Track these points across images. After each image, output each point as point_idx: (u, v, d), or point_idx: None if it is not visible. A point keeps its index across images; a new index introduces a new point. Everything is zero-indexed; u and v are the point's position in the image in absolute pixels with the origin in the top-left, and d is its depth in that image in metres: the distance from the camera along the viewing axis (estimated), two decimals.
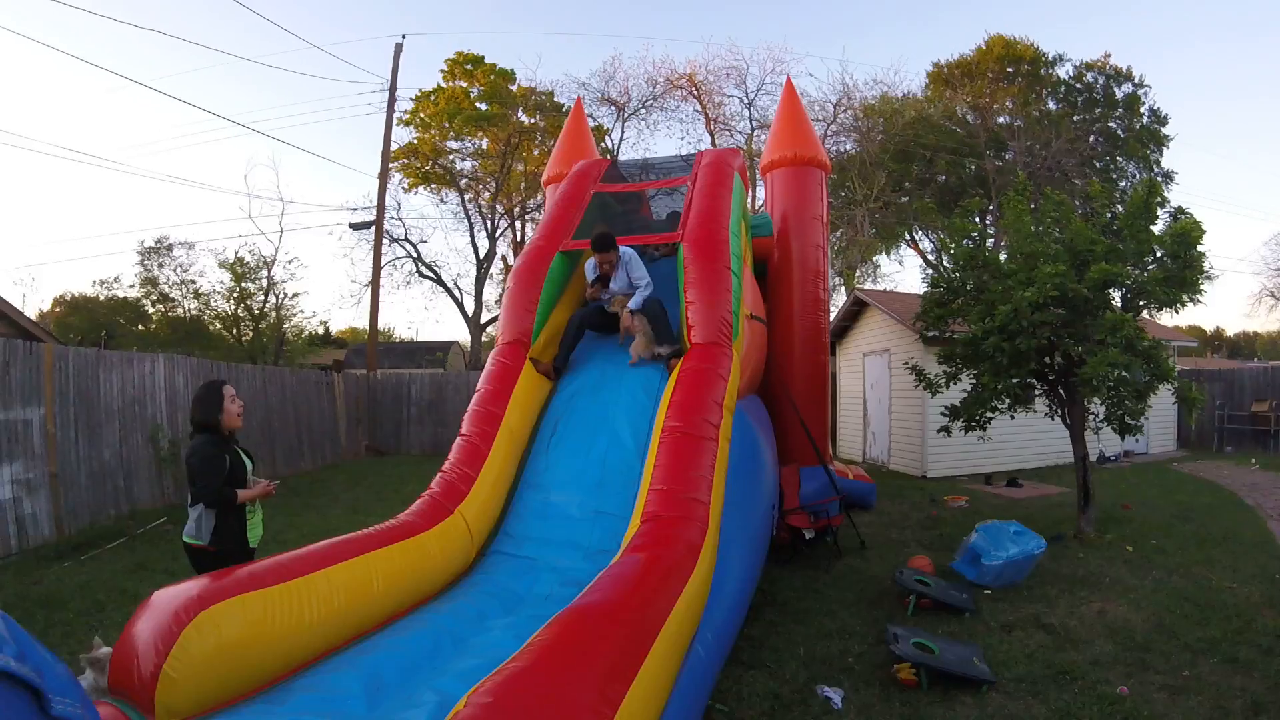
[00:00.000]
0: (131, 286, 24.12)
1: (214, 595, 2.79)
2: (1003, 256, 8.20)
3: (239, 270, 22.19)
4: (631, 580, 2.87)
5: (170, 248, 23.08)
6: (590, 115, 26.21)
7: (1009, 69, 28.49)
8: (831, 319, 15.78)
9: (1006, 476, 12.03)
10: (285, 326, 23.50)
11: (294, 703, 2.66)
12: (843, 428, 16.50)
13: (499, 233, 28.33)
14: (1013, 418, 8.13)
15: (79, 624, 5.28)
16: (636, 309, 5.54)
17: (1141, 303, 7.50)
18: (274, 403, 13.40)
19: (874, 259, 29.60)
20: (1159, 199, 7.55)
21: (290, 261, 34.95)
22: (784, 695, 4.12)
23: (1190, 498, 9.95)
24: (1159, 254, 7.37)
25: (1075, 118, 28.04)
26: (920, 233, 29.62)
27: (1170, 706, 3.93)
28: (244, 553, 3.89)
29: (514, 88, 27.80)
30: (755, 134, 26.15)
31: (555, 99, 27.45)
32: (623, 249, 5.76)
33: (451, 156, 27.93)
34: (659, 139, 68.91)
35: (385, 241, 21.65)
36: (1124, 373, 6.94)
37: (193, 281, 22.91)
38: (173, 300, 23.07)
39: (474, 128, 27.01)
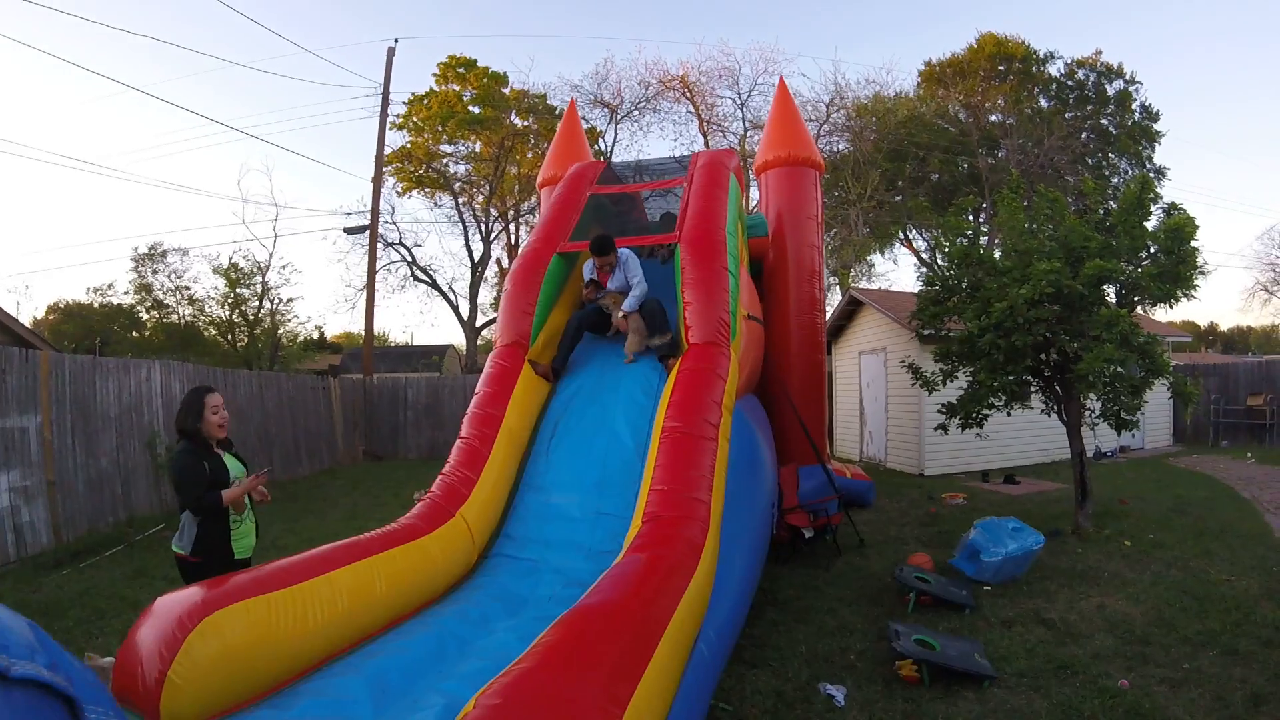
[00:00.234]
0: (126, 293, 24.15)
1: (218, 601, 2.79)
2: (997, 254, 8.23)
3: (233, 276, 22.20)
4: (635, 580, 2.88)
5: (164, 254, 23.09)
6: (583, 118, 26.20)
7: (1000, 67, 28.63)
8: (827, 318, 15.83)
9: (1004, 473, 12.07)
10: (280, 332, 23.49)
11: (300, 707, 2.66)
12: (839, 426, 16.53)
13: (493, 236, 28.35)
14: (1009, 415, 8.16)
15: (79, 632, 5.26)
16: (631, 310, 5.56)
17: (1136, 298, 7.53)
18: (271, 408, 13.38)
19: (868, 258, 29.72)
20: (1152, 195, 7.59)
21: (284, 267, 34.96)
22: (787, 693, 4.13)
23: (1187, 492, 9.99)
24: (1153, 249, 7.41)
25: (1067, 115, 28.18)
26: (914, 231, 29.73)
27: (1171, 699, 3.95)
28: (228, 563, 3.74)
29: (507, 91, 27.82)
30: (748, 135, 26.21)
31: (548, 101, 27.50)
32: (620, 250, 5.78)
33: (445, 160, 27.93)
34: (652, 140, 69.01)
35: (380, 246, 21.65)
36: (1119, 368, 6.97)
37: (187, 288, 22.95)
38: (167, 306, 23.08)
39: (467, 131, 27.02)
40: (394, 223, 26.83)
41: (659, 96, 27.05)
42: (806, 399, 8.07)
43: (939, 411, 8.31)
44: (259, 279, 22.48)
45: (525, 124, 27.66)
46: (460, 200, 27.95)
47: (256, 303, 22.69)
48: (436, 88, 27.93)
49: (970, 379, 7.93)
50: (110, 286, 27.12)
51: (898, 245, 30.68)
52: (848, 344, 16.15)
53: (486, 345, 32.94)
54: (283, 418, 13.77)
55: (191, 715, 2.58)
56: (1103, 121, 28.87)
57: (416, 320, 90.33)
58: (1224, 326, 64.96)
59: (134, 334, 25.26)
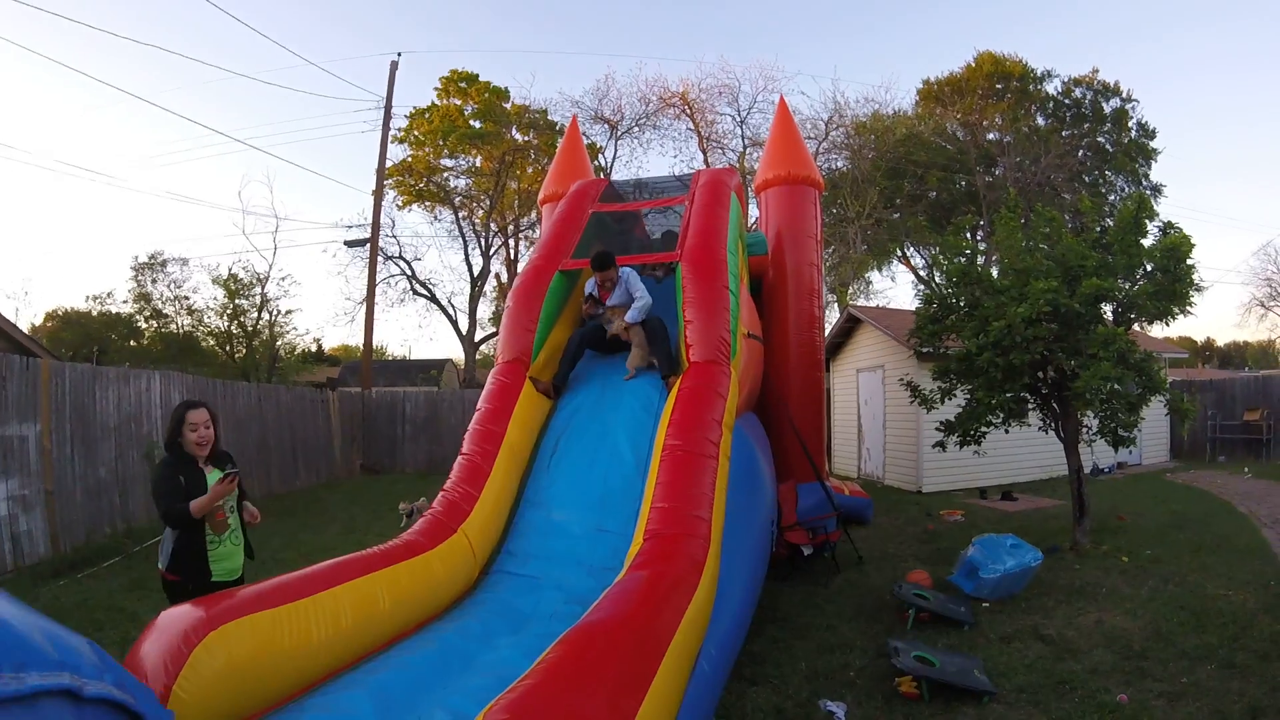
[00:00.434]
0: (125, 302, 24.14)
1: (223, 615, 2.81)
2: (995, 272, 8.29)
3: (232, 287, 22.23)
4: (638, 597, 2.90)
5: (164, 263, 23.10)
6: (584, 133, 26.32)
7: (998, 85, 28.88)
8: (825, 336, 15.89)
9: (1001, 490, 12.09)
10: (278, 344, 23.50)
11: None
12: (837, 443, 16.55)
13: (493, 250, 28.43)
14: (1007, 432, 8.20)
15: None
16: (634, 321, 5.60)
17: (1132, 315, 7.60)
18: (270, 420, 13.39)
19: (866, 275, 29.82)
20: (1148, 213, 7.67)
21: (284, 278, 34.99)
22: (787, 710, 4.14)
23: (1184, 507, 10.03)
24: (1149, 268, 7.48)
25: (1064, 133, 28.42)
26: (912, 249, 29.87)
27: (1170, 712, 3.98)
28: (205, 583, 3.62)
29: (508, 105, 27.98)
30: (748, 151, 26.37)
31: (549, 117, 27.64)
32: (622, 268, 5.83)
33: (445, 174, 28.05)
34: (652, 157, 69.40)
35: (380, 259, 21.70)
36: (1117, 385, 7.02)
37: (186, 297, 22.94)
38: (166, 316, 23.07)
39: (468, 145, 27.15)
40: (394, 236, 26.92)
41: (659, 113, 27.24)
42: (805, 416, 8.10)
43: (937, 429, 8.35)
44: (258, 290, 22.53)
45: (526, 139, 27.81)
46: (460, 214, 28.05)
47: (255, 314, 22.72)
48: (438, 102, 28.09)
49: (968, 397, 7.97)
50: (109, 295, 27.09)
51: (896, 263, 30.83)
52: (846, 361, 16.20)
53: (485, 360, 32.97)
54: (281, 430, 13.78)
55: None
56: (1099, 139, 29.11)
57: (415, 334, 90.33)
58: (1220, 342, 65.22)
59: (132, 343, 25.25)
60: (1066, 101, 29.38)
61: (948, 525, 9.52)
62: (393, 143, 24.70)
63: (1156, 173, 29.50)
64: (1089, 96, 29.23)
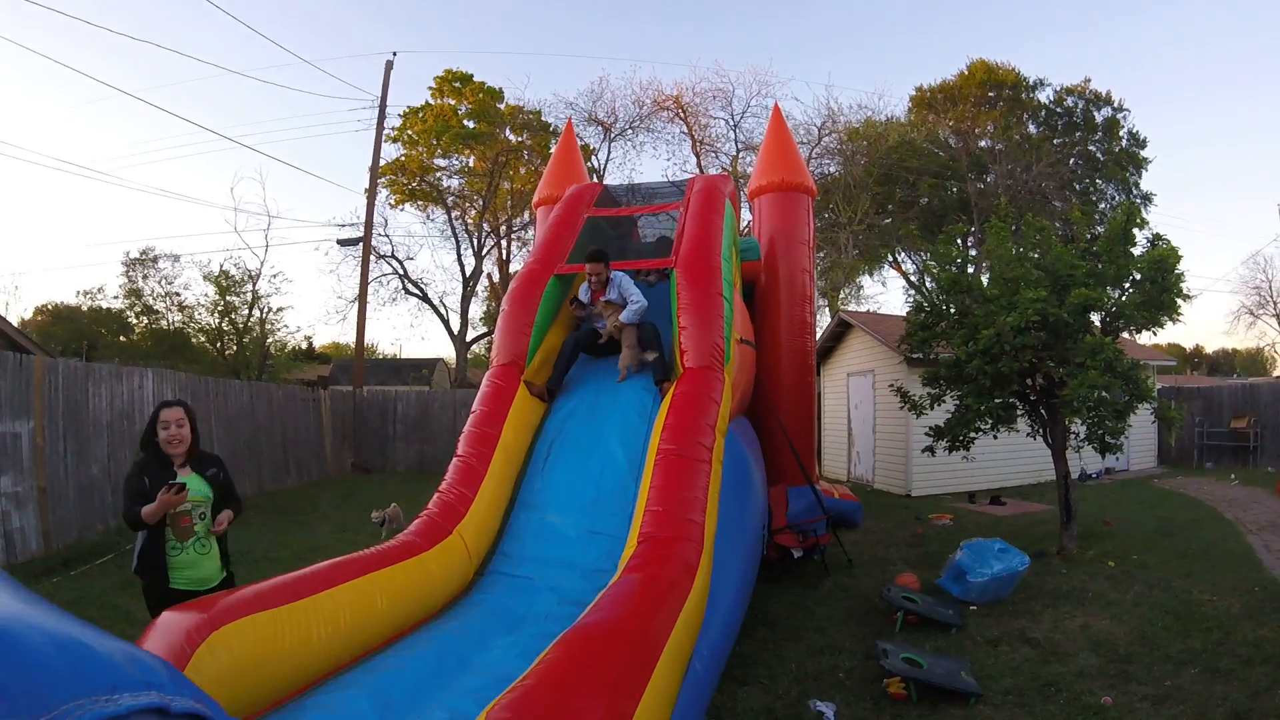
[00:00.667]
0: (115, 297, 24.02)
1: (224, 615, 2.85)
2: (985, 279, 8.39)
3: (224, 284, 22.15)
4: (633, 599, 2.96)
5: (155, 259, 23.03)
6: (577, 135, 26.39)
7: (990, 93, 29.04)
8: (816, 340, 15.98)
9: (990, 494, 12.18)
10: (269, 341, 23.44)
11: None
12: (827, 447, 16.63)
13: (485, 251, 28.40)
14: (995, 437, 8.29)
15: None
16: (629, 322, 5.66)
17: (1120, 324, 7.70)
18: (261, 419, 13.37)
19: (857, 280, 29.94)
20: (1138, 222, 7.77)
21: (275, 276, 34.92)
22: (778, 710, 4.20)
23: (1171, 513, 10.12)
24: (1137, 278, 7.58)
25: (1055, 141, 28.60)
26: (903, 254, 30.01)
27: (1153, 715, 4.05)
28: (164, 590, 3.50)
29: (502, 106, 27.97)
30: (741, 155, 26.45)
31: (543, 118, 27.65)
32: (615, 273, 5.89)
33: (439, 174, 28.02)
34: (645, 160, 69.50)
35: (372, 258, 21.68)
36: (1104, 393, 7.11)
37: (177, 294, 22.86)
38: (157, 312, 22.98)
39: (461, 145, 27.13)
40: (387, 235, 26.83)
41: (653, 116, 27.26)
42: (796, 420, 8.18)
43: (926, 434, 8.43)
44: (249, 287, 22.48)
45: (519, 139, 27.82)
46: (453, 214, 28.03)
47: (246, 311, 22.66)
48: (432, 101, 28.07)
49: (958, 403, 8.05)
50: (100, 290, 27.00)
51: (886, 268, 30.96)
52: (836, 365, 16.29)
53: (476, 359, 32.96)
54: (273, 429, 13.77)
55: None
56: (1091, 148, 29.28)
57: (407, 333, 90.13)
58: (1209, 349, 65.62)
59: (122, 338, 25.16)
60: (1058, 110, 29.57)
61: (936, 529, 9.60)
62: (386, 141, 24.69)
63: (1147, 181, 29.71)
64: (1080, 105, 29.43)
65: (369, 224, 19.62)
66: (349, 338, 26.52)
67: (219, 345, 22.78)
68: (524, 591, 4.15)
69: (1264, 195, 68.92)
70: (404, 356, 43.57)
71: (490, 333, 26.84)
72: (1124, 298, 7.55)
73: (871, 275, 31.06)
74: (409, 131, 27.78)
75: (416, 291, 27.97)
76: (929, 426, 8.39)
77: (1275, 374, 42.01)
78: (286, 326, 29.16)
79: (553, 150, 9.84)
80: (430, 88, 28.12)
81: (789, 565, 7.10)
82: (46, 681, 0.51)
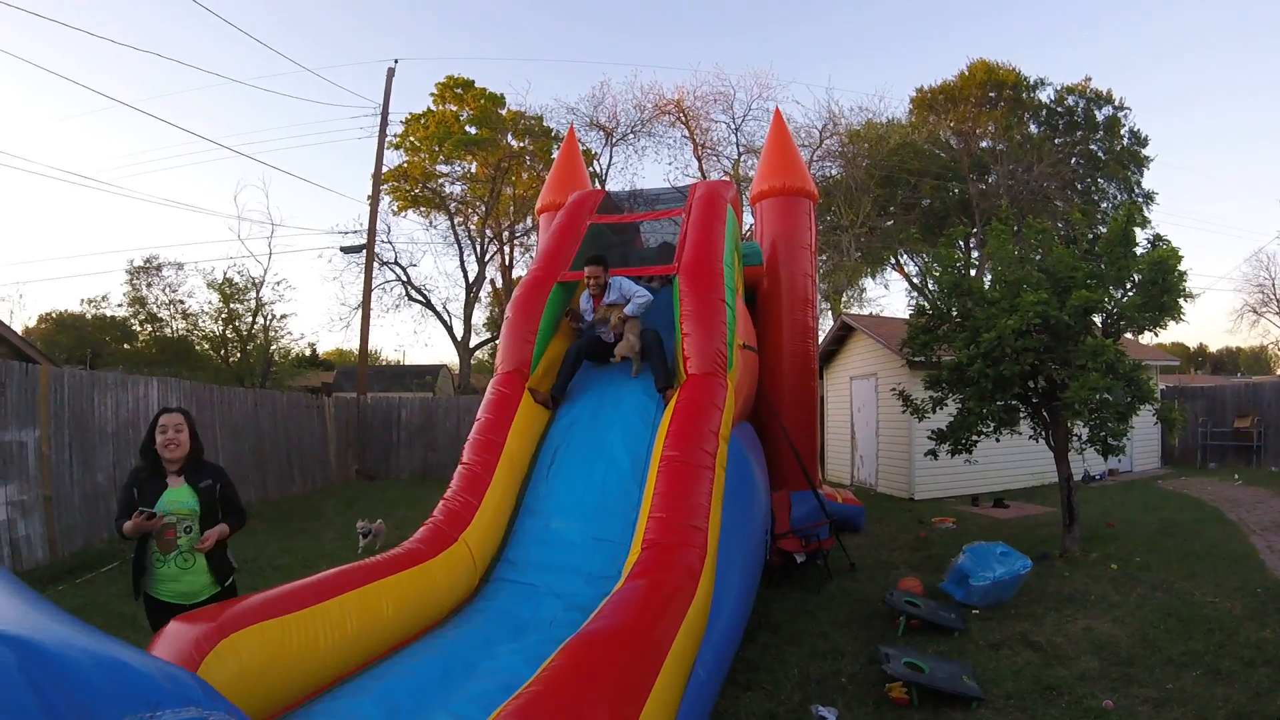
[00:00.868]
0: (119, 305, 24.08)
1: (233, 624, 2.89)
2: (988, 280, 8.41)
3: (227, 291, 22.23)
4: (637, 606, 2.99)
5: (159, 267, 23.08)
6: (579, 140, 26.46)
7: (991, 93, 29.09)
8: (819, 344, 15.99)
9: (993, 497, 12.19)
10: (273, 348, 23.50)
11: None
12: (830, 451, 16.64)
13: (488, 257, 28.50)
14: (998, 440, 8.30)
15: None
16: (634, 314, 5.73)
17: (1122, 325, 7.72)
18: (265, 426, 13.43)
19: (860, 283, 29.97)
20: (1138, 224, 7.79)
21: (279, 283, 34.97)
22: (780, 715, 4.23)
23: (1174, 514, 10.10)
24: (1138, 279, 7.60)
25: (1057, 140, 28.66)
26: (906, 256, 30.03)
27: (1154, 718, 4.06)
28: (150, 600, 3.55)
29: (504, 112, 28.07)
30: (742, 159, 26.51)
31: (545, 123, 27.75)
32: (614, 278, 5.94)
33: (441, 180, 28.13)
34: (647, 164, 69.61)
35: (375, 265, 21.76)
36: (1107, 395, 7.12)
37: (181, 301, 22.91)
38: (160, 320, 23.04)
39: (464, 151, 27.23)
40: (389, 242, 26.95)
41: (654, 120, 27.37)
42: (799, 425, 8.19)
43: (929, 437, 8.45)
44: (253, 295, 22.55)
45: (521, 145, 27.91)
46: (456, 220, 28.13)
47: (250, 318, 22.72)
48: (434, 107, 28.18)
49: (959, 406, 8.07)
50: (104, 298, 27.08)
51: (889, 270, 30.99)
52: (839, 369, 16.30)
53: (480, 365, 33.02)
54: (277, 436, 13.82)
55: None
56: (1092, 147, 29.32)
57: (410, 340, 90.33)
58: (1213, 348, 65.54)
59: (126, 346, 25.23)
60: (1059, 109, 29.62)
61: (939, 532, 9.61)
62: (389, 148, 24.79)
63: (1149, 180, 29.77)
64: (1081, 105, 29.48)
65: (372, 231, 19.70)
66: (353, 344, 26.68)
67: (223, 352, 22.84)
68: (529, 598, 4.18)
69: (1267, 192, 68.84)
70: (408, 363, 43.72)
71: (494, 339, 26.92)
72: (1125, 299, 7.57)
73: (874, 278, 31.14)
74: (411, 138, 27.90)
75: (420, 298, 28.08)
76: (931, 430, 8.41)
77: (1279, 372, 41.91)
78: (290, 333, 29.23)
79: (555, 156, 9.89)
80: (432, 94, 28.27)
81: (792, 570, 7.12)
82: (92, 699, 0.55)
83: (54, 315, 31.94)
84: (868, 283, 31.01)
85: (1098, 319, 7.72)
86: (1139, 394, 7.28)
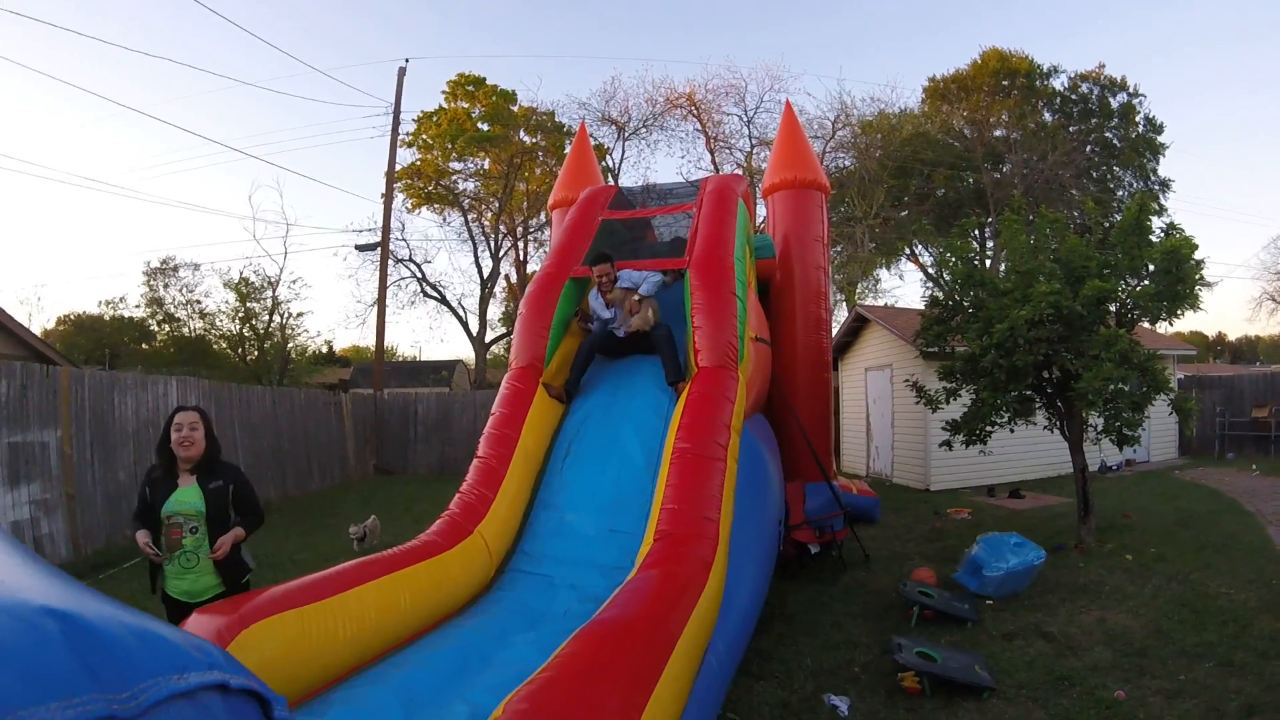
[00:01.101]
0: (137, 306, 24.35)
1: (254, 614, 2.96)
2: (1003, 268, 8.38)
3: (244, 290, 22.41)
4: (648, 596, 3.04)
5: (176, 268, 23.31)
6: (591, 135, 26.49)
7: (1004, 82, 28.79)
8: (833, 335, 15.98)
9: (1009, 488, 12.15)
10: (289, 346, 23.70)
11: (333, 714, 2.82)
12: (846, 442, 16.63)
13: (503, 252, 28.58)
14: (1012, 431, 8.29)
15: None
16: (649, 294, 5.81)
17: (1136, 315, 7.67)
18: (284, 424, 13.56)
19: (874, 274, 29.84)
20: (1151, 213, 7.74)
21: (295, 281, 35.22)
22: (793, 704, 4.27)
23: (1190, 505, 10.05)
24: (1151, 269, 7.55)
25: (1071, 128, 28.33)
26: (920, 247, 29.86)
27: (1166, 710, 4.06)
28: (164, 596, 3.62)
29: (515, 108, 28.14)
30: (755, 151, 26.44)
31: (556, 119, 27.78)
32: (621, 271, 6.00)
33: (454, 177, 28.22)
34: (660, 158, 69.66)
35: (390, 262, 21.89)
36: (1122, 385, 7.09)
37: (198, 301, 23.12)
38: (178, 320, 23.28)
39: (476, 148, 27.32)
40: (404, 239, 27.09)
41: (666, 114, 27.29)
42: (813, 417, 8.21)
43: (943, 428, 8.44)
44: (269, 293, 22.74)
45: (534, 141, 27.96)
46: (469, 217, 28.23)
47: (267, 317, 22.92)
48: (446, 105, 28.28)
49: (974, 397, 8.06)
50: (122, 300, 27.42)
51: (904, 261, 30.83)
52: (854, 360, 16.28)
53: (495, 360, 33.16)
54: (295, 433, 13.96)
55: None
56: (1107, 135, 29.01)
57: (426, 335, 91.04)
58: (1232, 336, 64.83)
59: (145, 346, 25.51)
60: (1073, 97, 29.29)
61: (955, 523, 9.60)
62: (401, 146, 24.91)
63: (1165, 167, 29.40)
64: (1096, 92, 29.13)
65: (386, 228, 19.83)
66: (369, 341, 26.89)
67: (240, 351, 23.06)
68: (544, 589, 4.24)
69: None
70: (424, 359, 43.95)
71: (509, 334, 27.03)
72: (1138, 288, 7.53)
73: (888, 269, 30.97)
74: (424, 136, 28.03)
75: (435, 294, 28.23)
76: (945, 421, 8.40)
77: None
78: (307, 331, 29.47)
79: (567, 151, 9.93)
80: (444, 92, 28.38)
81: (806, 561, 7.15)
82: (128, 663, 0.63)
83: (73, 317, 32.37)
84: (882, 274, 30.89)
85: (1111, 309, 7.68)
86: (1153, 384, 7.24)
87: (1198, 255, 7.39)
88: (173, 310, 23.13)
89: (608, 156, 27.18)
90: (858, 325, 15.95)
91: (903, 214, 27.69)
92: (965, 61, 30.26)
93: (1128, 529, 8.49)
